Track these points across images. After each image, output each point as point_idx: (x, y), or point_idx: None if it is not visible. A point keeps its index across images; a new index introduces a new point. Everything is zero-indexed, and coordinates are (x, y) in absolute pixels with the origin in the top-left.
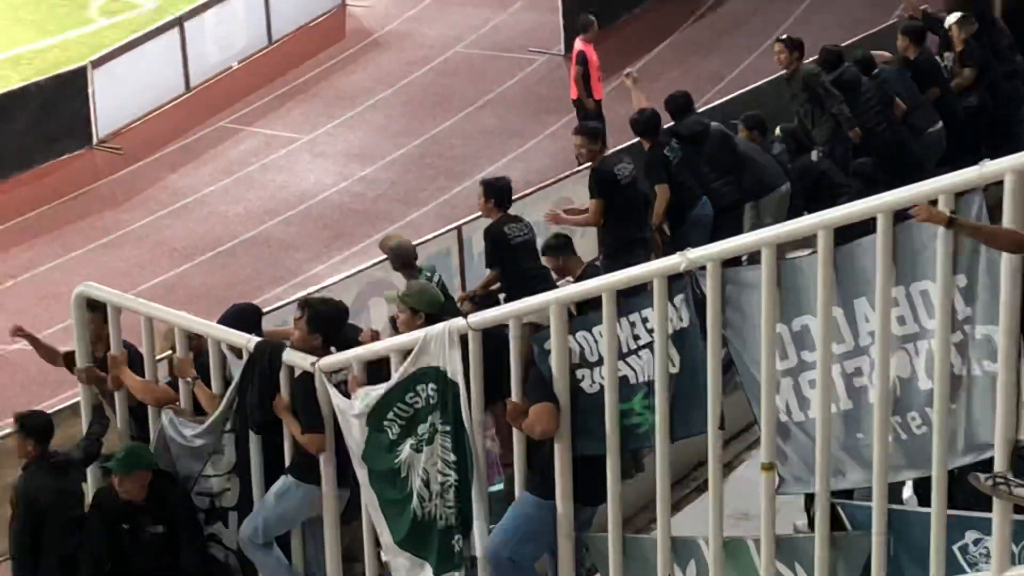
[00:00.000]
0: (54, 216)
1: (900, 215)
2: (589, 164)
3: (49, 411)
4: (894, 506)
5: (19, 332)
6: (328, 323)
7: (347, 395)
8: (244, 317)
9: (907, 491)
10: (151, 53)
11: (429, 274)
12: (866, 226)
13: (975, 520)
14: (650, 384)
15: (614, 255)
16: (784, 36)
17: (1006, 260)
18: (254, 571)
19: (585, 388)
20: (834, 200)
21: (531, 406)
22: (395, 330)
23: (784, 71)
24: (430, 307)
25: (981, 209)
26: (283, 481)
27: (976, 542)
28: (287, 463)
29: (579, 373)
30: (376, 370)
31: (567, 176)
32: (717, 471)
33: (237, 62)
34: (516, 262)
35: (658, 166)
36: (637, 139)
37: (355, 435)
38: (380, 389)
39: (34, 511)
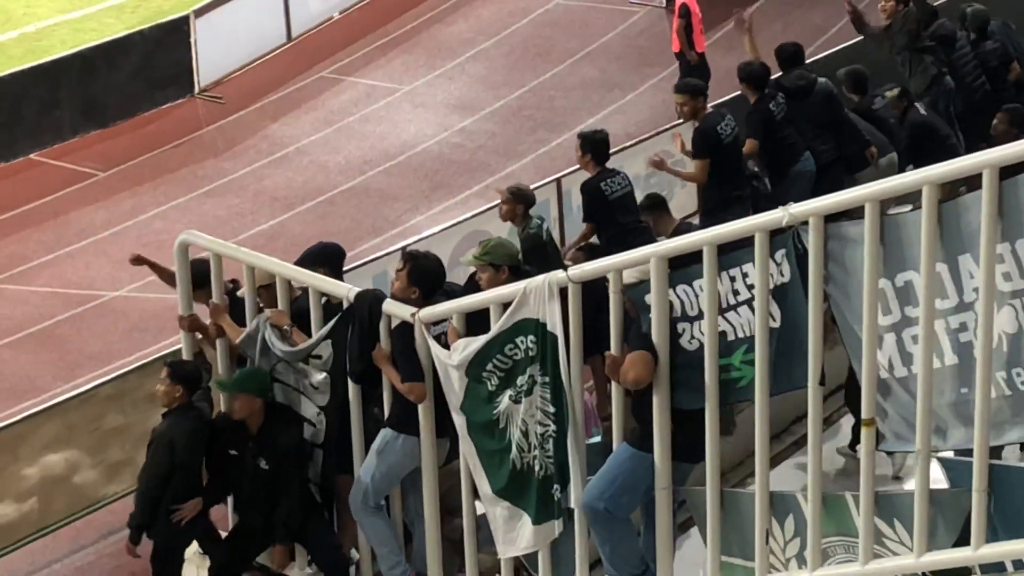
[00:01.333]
0: (156, 164)
1: (1006, 171)
2: (691, 120)
3: (148, 359)
4: (994, 461)
5: (139, 260)
6: (428, 278)
7: (446, 347)
8: (329, 253)
9: (1008, 452)
10: (253, 2)
11: (539, 222)
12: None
13: None
14: (749, 340)
15: (711, 212)
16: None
17: None
18: (333, 508)
19: (684, 343)
20: (941, 152)
21: (630, 353)
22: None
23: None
24: (510, 260)
25: None
26: (383, 435)
27: None
28: (386, 415)
29: (679, 327)
30: (476, 321)
31: (667, 129)
32: (817, 426)
33: (339, 12)
34: (614, 216)
35: (756, 121)
36: (740, 92)
37: (454, 386)
38: (479, 341)
39: (172, 453)
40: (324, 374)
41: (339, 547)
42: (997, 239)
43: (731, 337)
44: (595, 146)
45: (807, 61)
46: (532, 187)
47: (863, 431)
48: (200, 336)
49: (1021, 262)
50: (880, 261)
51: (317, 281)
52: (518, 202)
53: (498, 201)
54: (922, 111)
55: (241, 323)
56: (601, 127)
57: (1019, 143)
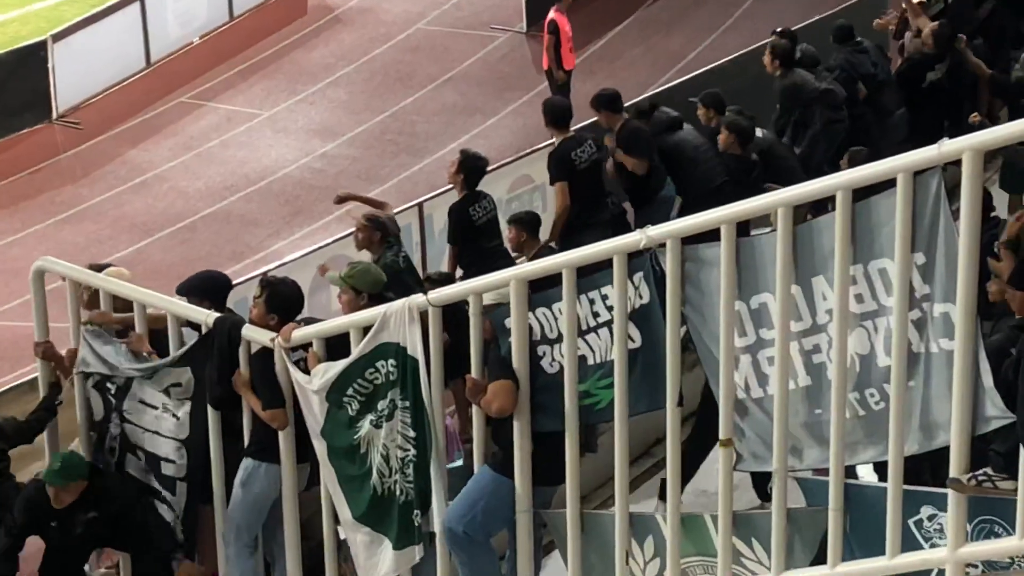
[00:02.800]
0: (12, 191)
1: (858, 194)
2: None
3: (6, 387)
4: (851, 481)
5: None
6: (286, 303)
7: (306, 371)
8: (214, 285)
9: (863, 471)
10: (112, 27)
11: (395, 250)
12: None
13: (931, 495)
14: (606, 364)
15: (569, 236)
16: (773, 36)
17: (964, 238)
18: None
19: (545, 366)
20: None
21: (490, 383)
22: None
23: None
24: (373, 287)
25: (940, 188)
26: (244, 466)
27: (931, 517)
28: (246, 444)
29: (540, 350)
30: (335, 346)
31: (528, 153)
32: (675, 447)
33: (198, 37)
34: (478, 240)
35: (556, 163)
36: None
37: (315, 411)
38: (339, 365)
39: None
40: (187, 403)
41: None
42: (850, 261)
43: (590, 361)
44: (471, 171)
45: (668, 86)
46: (394, 212)
47: (720, 451)
48: (54, 365)
49: (873, 284)
50: (735, 283)
51: (175, 307)
52: (375, 229)
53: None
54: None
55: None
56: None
57: (870, 166)
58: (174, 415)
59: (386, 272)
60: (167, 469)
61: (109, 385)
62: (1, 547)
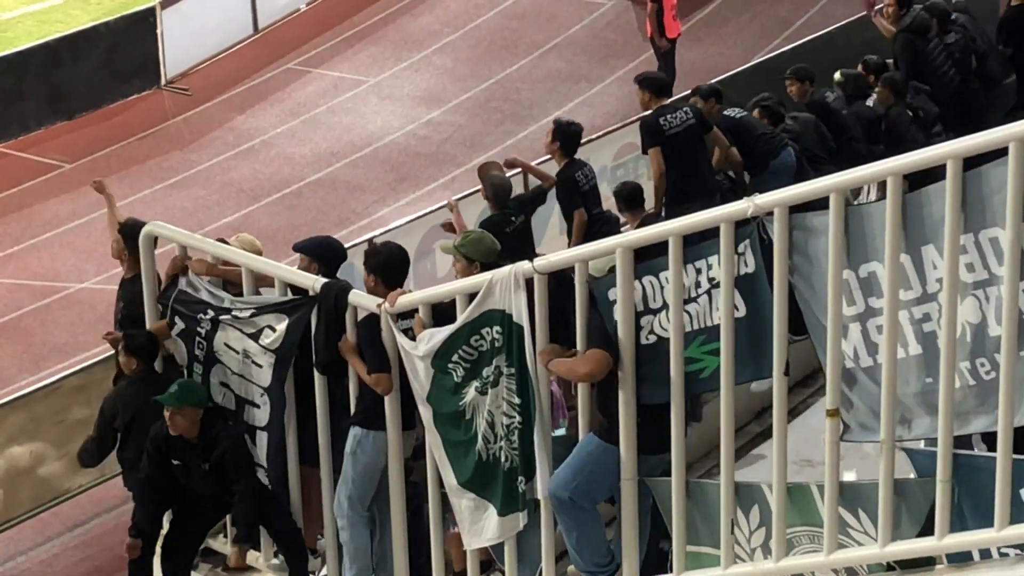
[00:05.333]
0: (122, 156)
1: (970, 162)
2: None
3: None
4: (959, 451)
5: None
6: (388, 266)
7: (413, 339)
8: (329, 250)
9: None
10: None
11: (513, 217)
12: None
13: None
14: (708, 330)
15: (672, 204)
16: None
17: None
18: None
19: (642, 338)
20: (903, 145)
21: (588, 350)
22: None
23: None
24: (487, 256)
25: None
26: (352, 435)
27: None
28: (352, 413)
29: (642, 321)
30: (442, 313)
31: (633, 121)
32: (782, 416)
33: (305, 4)
34: (586, 207)
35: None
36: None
37: (420, 377)
38: (445, 331)
39: (123, 421)
40: (272, 355)
41: (299, 531)
42: (960, 230)
43: (688, 328)
44: (567, 137)
45: (777, 53)
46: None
47: (827, 421)
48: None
49: (984, 253)
50: (844, 252)
51: (283, 272)
52: (489, 191)
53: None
54: (870, 103)
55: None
56: (570, 119)
57: (981, 134)
58: (256, 363)
59: (489, 230)
60: (250, 415)
61: (199, 328)
62: (137, 486)
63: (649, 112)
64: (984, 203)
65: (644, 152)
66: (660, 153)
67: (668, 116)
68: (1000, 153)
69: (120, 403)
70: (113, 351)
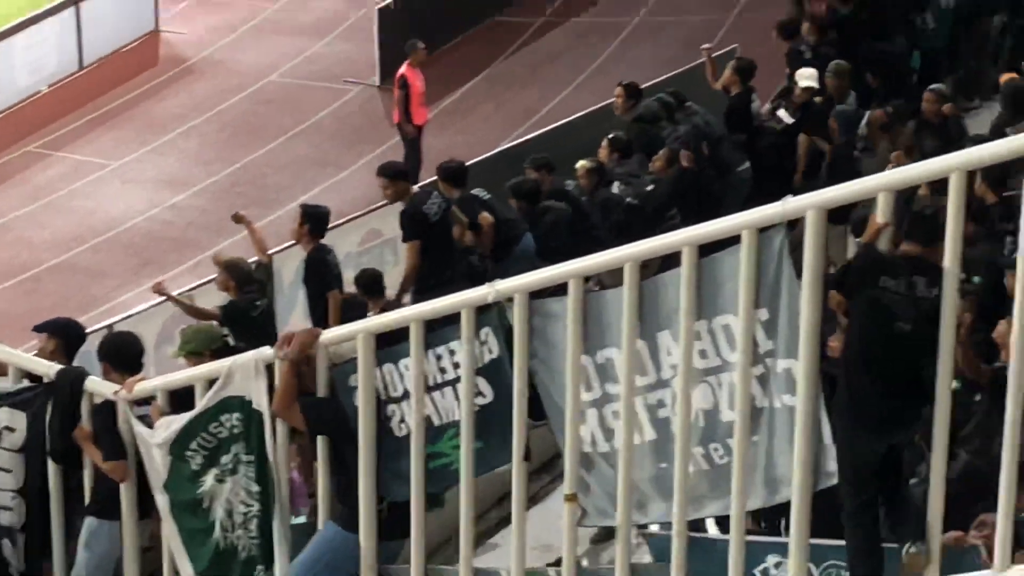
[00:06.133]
0: None
1: (704, 249)
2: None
3: None
4: (694, 534)
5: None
6: (118, 355)
7: (151, 425)
8: (71, 329)
9: (711, 526)
10: None
11: (257, 301)
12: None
13: (774, 544)
14: (458, 423)
15: (424, 292)
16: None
17: (807, 294)
18: None
19: (394, 429)
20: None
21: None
22: None
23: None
24: (210, 344)
25: (783, 245)
26: (87, 525)
27: (777, 565)
28: (87, 503)
29: (388, 409)
30: (180, 399)
31: (379, 207)
32: (521, 501)
33: (47, 86)
34: (333, 288)
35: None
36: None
37: (157, 464)
38: (183, 418)
39: None
40: (20, 454)
41: None
42: (694, 317)
43: (438, 422)
44: (316, 220)
45: (520, 141)
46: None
47: (565, 506)
48: None
49: (716, 339)
50: (582, 337)
51: (19, 359)
52: (231, 275)
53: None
54: (615, 190)
55: None
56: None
57: (715, 222)
58: (3, 469)
59: (235, 315)
60: (3, 518)
61: None
62: None
63: (408, 202)
64: (717, 290)
65: (404, 241)
66: (419, 247)
67: (428, 204)
68: (734, 241)
69: None
70: None
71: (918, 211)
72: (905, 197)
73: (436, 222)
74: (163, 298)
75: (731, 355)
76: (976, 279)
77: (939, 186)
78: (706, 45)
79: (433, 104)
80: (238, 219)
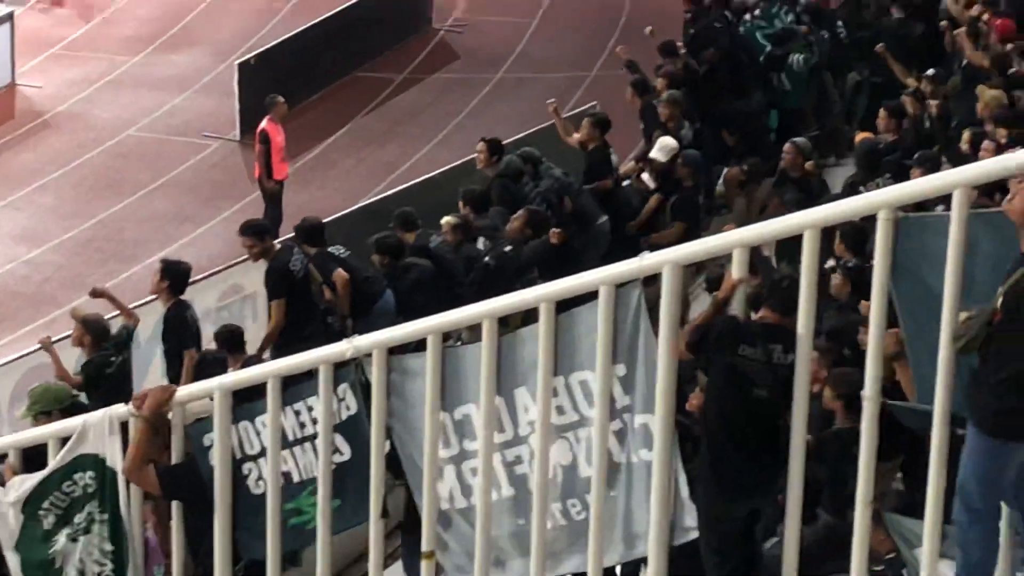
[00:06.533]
0: None
1: (560, 306)
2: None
3: None
4: None
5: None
6: None
7: (2, 484)
8: None
9: None
10: None
11: (113, 357)
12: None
13: None
14: (317, 480)
15: (285, 349)
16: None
17: (663, 351)
18: None
19: (251, 487)
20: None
21: None
22: None
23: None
24: (58, 402)
25: (640, 301)
26: None
27: None
28: None
29: (245, 468)
30: (33, 458)
31: (239, 262)
32: (378, 560)
33: None
34: (190, 346)
35: (274, 279)
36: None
37: (10, 524)
38: (36, 477)
39: None
40: None
41: None
42: (552, 373)
43: (297, 478)
44: (176, 276)
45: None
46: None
47: (423, 563)
48: None
49: (574, 395)
50: (440, 394)
51: None
52: (86, 331)
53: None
54: (480, 246)
55: None
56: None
57: (573, 278)
58: None
59: (92, 374)
60: None
61: None
62: None
63: (274, 259)
64: (575, 346)
65: (271, 299)
66: (285, 304)
67: (292, 260)
68: (591, 296)
69: None
70: None
71: (776, 281)
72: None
73: (300, 279)
74: (14, 357)
75: (589, 411)
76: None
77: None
78: (551, 101)
79: (294, 159)
80: (96, 294)
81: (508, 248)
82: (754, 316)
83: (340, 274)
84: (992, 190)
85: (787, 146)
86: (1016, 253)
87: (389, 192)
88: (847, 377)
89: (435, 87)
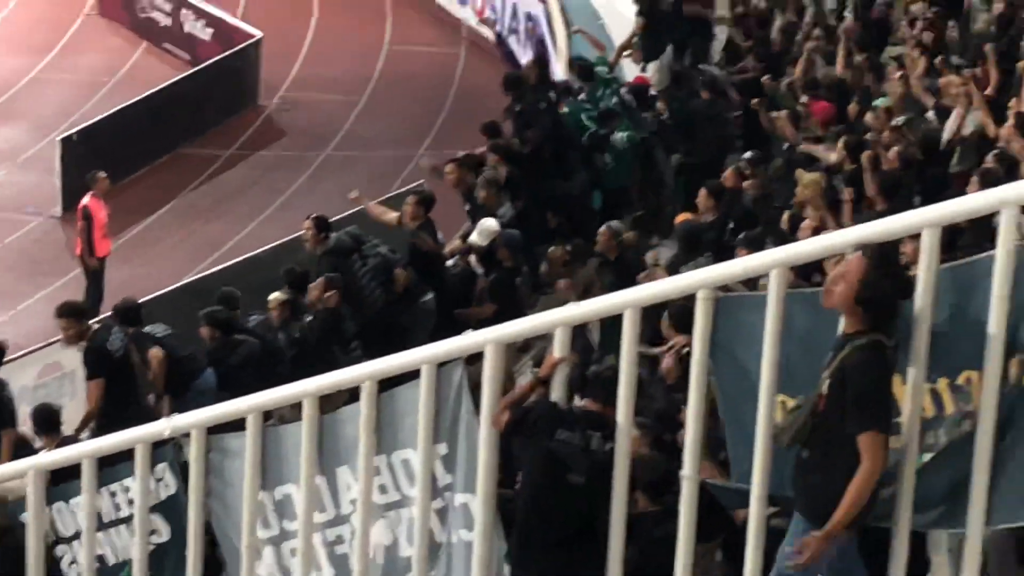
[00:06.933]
0: None
1: (384, 383)
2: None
3: None
4: None
5: None
6: None
7: None
8: None
9: None
10: None
11: None
12: None
13: None
14: (132, 562)
15: (106, 429)
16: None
17: (484, 430)
18: None
19: (65, 570)
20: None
21: None
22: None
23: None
24: None
25: (462, 380)
26: None
27: None
28: None
29: (59, 550)
30: None
31: (58, 340)
32: None
33: None
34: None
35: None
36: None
37: None
38: None
39: None
40: None
41: None
42: (374, 451)
43: (112, 560)
44: None
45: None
46: None
47: None
48: None
49: (396, 474)
50: (260, 473)
51: None
52: None
53: None
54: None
55: None
56: None
57: (394, 357)
58: None
59: None
60: None
61: None
62: None
63: (92, 339)
64: (397, 425)
65: (89, 380)
66: (104, 384)
67: (110, 339)
68: (415, 374)
69: None
70: None
71: (597, 372)
72: None
73: (119, 358)
74: None
75: (410, 490)
76: None
77: None
78: (353, 193)
79: (117, 235)
80: None
81: (308, 318)
82: (577, 403)
83: (155, 353)
84: (809, 272)
85: (602, 229)
86: (835, 336)
87: (213, 269)
88: (650, 463)
89: (261, 164)
